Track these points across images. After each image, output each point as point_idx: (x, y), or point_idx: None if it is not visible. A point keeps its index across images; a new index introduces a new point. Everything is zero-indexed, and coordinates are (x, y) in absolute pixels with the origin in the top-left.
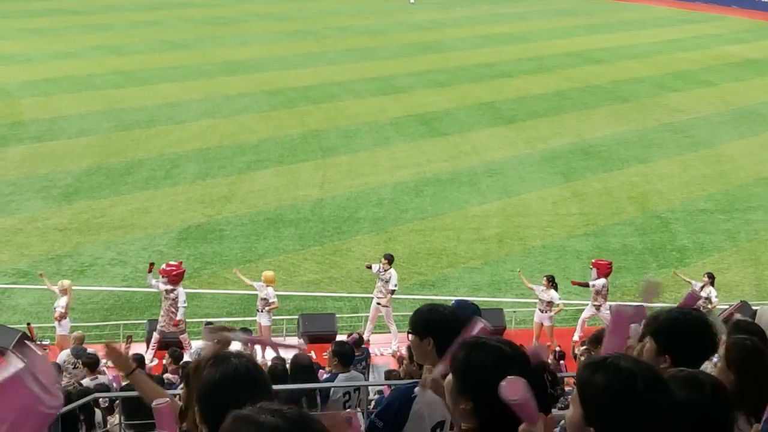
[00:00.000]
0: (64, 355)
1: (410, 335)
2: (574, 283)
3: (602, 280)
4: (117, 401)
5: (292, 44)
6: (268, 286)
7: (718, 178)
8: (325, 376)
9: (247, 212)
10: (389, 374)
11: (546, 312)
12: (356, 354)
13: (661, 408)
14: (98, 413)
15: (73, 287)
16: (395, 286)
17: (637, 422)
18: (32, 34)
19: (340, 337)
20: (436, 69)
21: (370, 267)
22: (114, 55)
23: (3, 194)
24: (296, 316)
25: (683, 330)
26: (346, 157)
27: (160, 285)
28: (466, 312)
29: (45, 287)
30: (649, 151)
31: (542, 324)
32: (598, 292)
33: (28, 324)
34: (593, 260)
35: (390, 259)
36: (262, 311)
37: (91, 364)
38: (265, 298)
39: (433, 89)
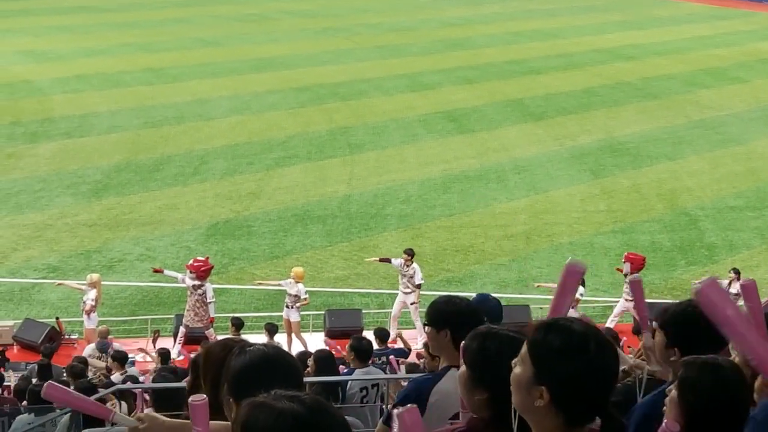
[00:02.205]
0: (89, 349)
1: (427, 327)
2: (619, 270)
3: (636, 275)
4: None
5: (321, 41)
6: (298, 282)
7: (749, 176)
8: (344, 371)
9: (274, 208)
10: (409, 368)
11: (574, 308)
12: (381, 348)
13: (608, 366)
14: (124, 406)
15: (102, 282)
16: (421, 280)
17: (587, 379)
18: (63, 31)
19: (365, 334)
20: (464, 66)
21: (386, 260)
22: (144, 52)
23: (33, 190)
24: (322, 312)
25: (692, 322)
26: (374, 154)
27: (188, 280)
28: (486, 306)
29: (74, 286)
30: (679, 148)
31: None
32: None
33: (57, 318)
34: (626, 253)
35: (411, 254)
36: (291, 308)
37: (121, 359)
38: (296, 295)
39: (461, 86)
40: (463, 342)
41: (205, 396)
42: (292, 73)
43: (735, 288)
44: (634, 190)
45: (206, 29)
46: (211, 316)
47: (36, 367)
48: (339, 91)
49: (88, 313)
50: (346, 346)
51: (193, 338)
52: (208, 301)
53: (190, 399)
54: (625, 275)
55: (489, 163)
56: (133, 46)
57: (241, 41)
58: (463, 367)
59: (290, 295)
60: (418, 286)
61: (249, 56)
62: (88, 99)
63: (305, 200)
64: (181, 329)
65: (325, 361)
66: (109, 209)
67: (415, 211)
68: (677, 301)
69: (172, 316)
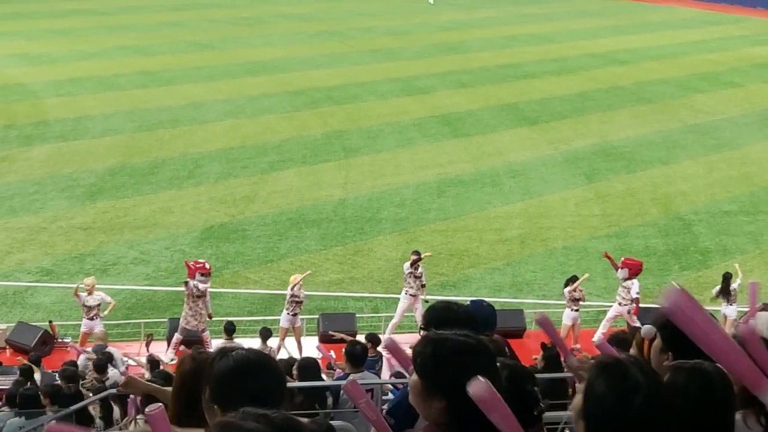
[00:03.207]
0: (85, 355)
1: (423, 332)
2: (606, 256)
3: (636, 282)
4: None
5: (316, 45)
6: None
7: (743, 180)
8: (339, 375)
9: (269, 212)
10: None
11: (576, 311)
12: (372, 355)
13: (649, 420)
14: (116, 410)
15: (96, 286)
16: (425, 279)
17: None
18: (58, 34)
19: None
20: (459, 70)
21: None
22: (138, 55)
23: (27, 193)
24: (316, 316)
25: None
26: (369, 158)
27: (200, 285)
28: (480, 312)
29: (73, 286)
30: (673, 153)
31: (573, 325)
32: (627, 291)
33: (50, 322)
34: (623, 258)
35: (419, 254)
36: (298, 314)
37: (100, 368)
38: (303, 300)
39: (456, 90)
40: (413, 349)
41: (160, 404)
42: (287, 76)
43: (736, 283)
44: (629, 194)
45: (201, 33)
46: (210, 311)
47: (18, 370)
48: (334, 94)
49: (100, 317)
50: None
51: (189, 342)
52: (208, 299)
53: (146, 410)
54: (623, 280)
55: (484, 167)
56: (127, 50)
57: (235, 45)
58: (414, 376)
59: (300, 302)
60: (424, 285)
61: (244, 60)
62: (82, 102)
63: (300, 204)
64: (177, 336)
65: (307, 371)
66: (104, 212)
67: (410, 215)
68: None
69: (166, 320)
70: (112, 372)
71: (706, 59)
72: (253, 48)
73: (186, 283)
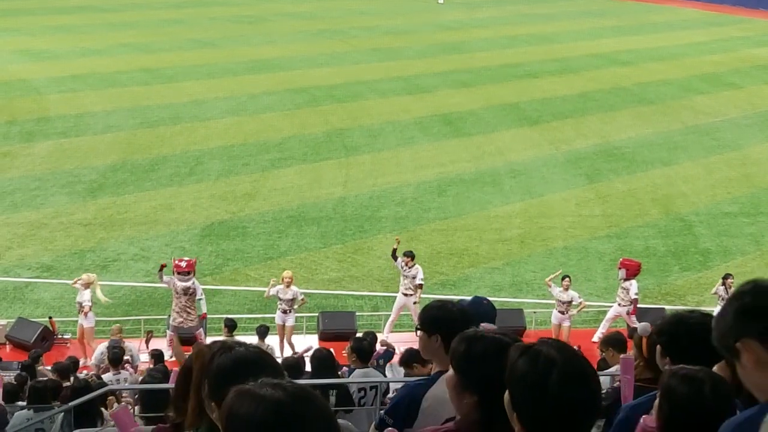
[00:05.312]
0: (101, 347)
1: (419, 332)
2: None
3: (635, 283)
4: (136, 395)
5: (318, 43)
6: (290, 285)
7: (744, 181)
8: (344, 369)
9: (269, 210)
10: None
11: (566, 313)
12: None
13: (572, 401)
14: (116, 407)
15: (98, 283)
16: (422, 280)
17: (547, 413)
18: (60, 30)
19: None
20: (460, 69)
21: (393, 256)
22: (140, 52)
23: (28, 189)
24: (316, 314)
25: (684, 332)
26: (370, 156)
27: (179, 284)
28: (479, 310)
29: (71, 282)
30: (674, 154)
31: (560, 325)
32: (626, 291)
33: (50, 318)
34: (622, 259)
35: (411, 256)
36: (289, 312)
37: (115, 360)
38: (292, 298)
39: (457, 89)
40: (451, 345)
41: (123, 404)
42: (288, 74)
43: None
44: (629, 194)
45: (202, 30)
46: (204, 311)
47: (20, 366)
48: (335, 93)
49: (86, 314)
50: (347, 348)
51: (185, 341)
52: (199, 297)
53: (109, 411)
54: (622, 280)
55: (484, 166)
56: (129, 47)
57: (237, 43)
58: (450, 371)
59: (286, 300)
60: (420, 286)
61: (245, 58)
62: (83, 99)
63: (300, 202)
64: (169, 333)
65: (322, 363)
66: (104, 209)
67: (410, 213)
68: (676, 310)
69: (166, 316)
70: (123, 373)
71: (708, 60)
72: (255, 46)
73: (161, 276)
